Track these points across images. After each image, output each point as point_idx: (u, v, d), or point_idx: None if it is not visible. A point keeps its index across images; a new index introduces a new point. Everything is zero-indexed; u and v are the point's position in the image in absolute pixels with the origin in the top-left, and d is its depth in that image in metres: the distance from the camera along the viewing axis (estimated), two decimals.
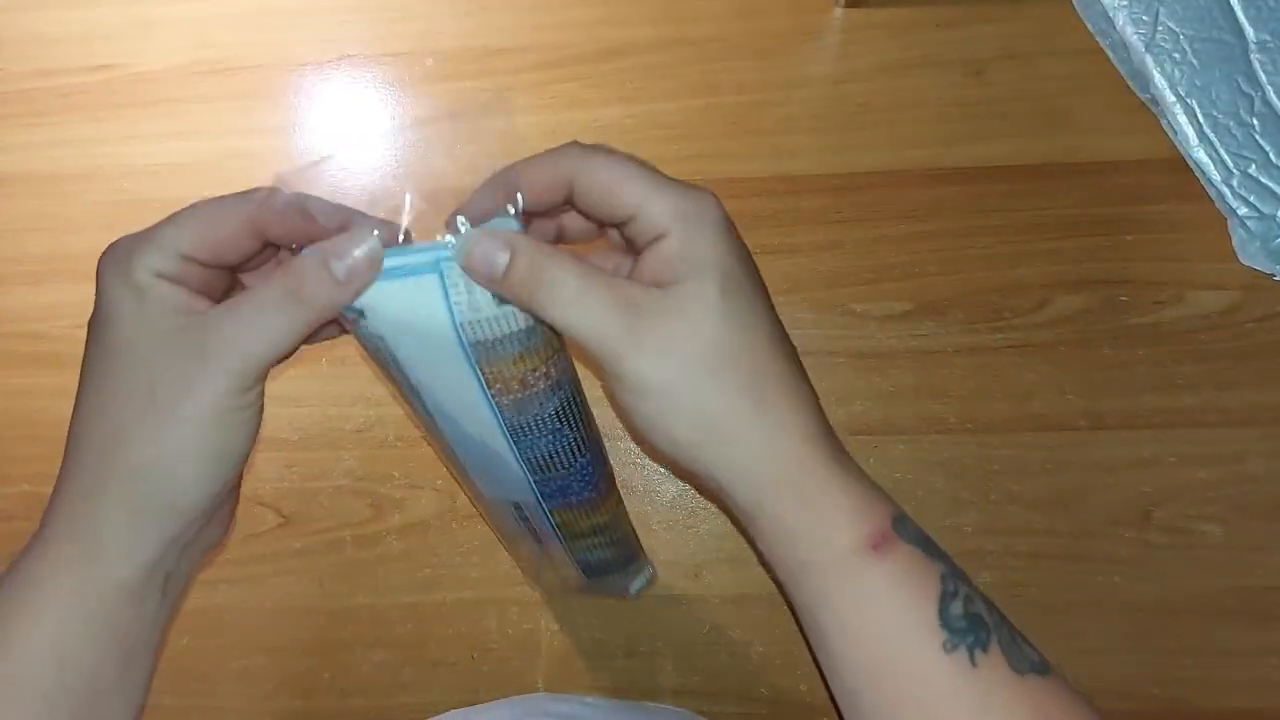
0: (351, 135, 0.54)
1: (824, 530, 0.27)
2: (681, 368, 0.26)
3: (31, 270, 0.52)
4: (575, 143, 0.28)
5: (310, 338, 0.28)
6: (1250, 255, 0.48)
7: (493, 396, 0.28)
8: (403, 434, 0.48)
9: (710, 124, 0.53)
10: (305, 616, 0.45)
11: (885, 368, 0.48)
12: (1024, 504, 0.45)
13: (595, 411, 0.32)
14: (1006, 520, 0.45)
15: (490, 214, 0.27)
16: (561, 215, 0.30)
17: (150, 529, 0.26)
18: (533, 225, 0.30)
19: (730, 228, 0.27)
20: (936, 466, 0.46)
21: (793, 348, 0.28)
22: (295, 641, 0.45)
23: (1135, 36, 0.52)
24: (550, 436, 0.30)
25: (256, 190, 0.27)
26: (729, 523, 0.46)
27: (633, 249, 0.28)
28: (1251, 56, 0.51)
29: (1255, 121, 0.50)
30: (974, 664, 0.26)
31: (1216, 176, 0.49)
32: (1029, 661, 0.26)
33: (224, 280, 0.28)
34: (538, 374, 0.28)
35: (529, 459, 0.31)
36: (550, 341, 0.28)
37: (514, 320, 0.27)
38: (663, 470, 0.47)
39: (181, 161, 0.54)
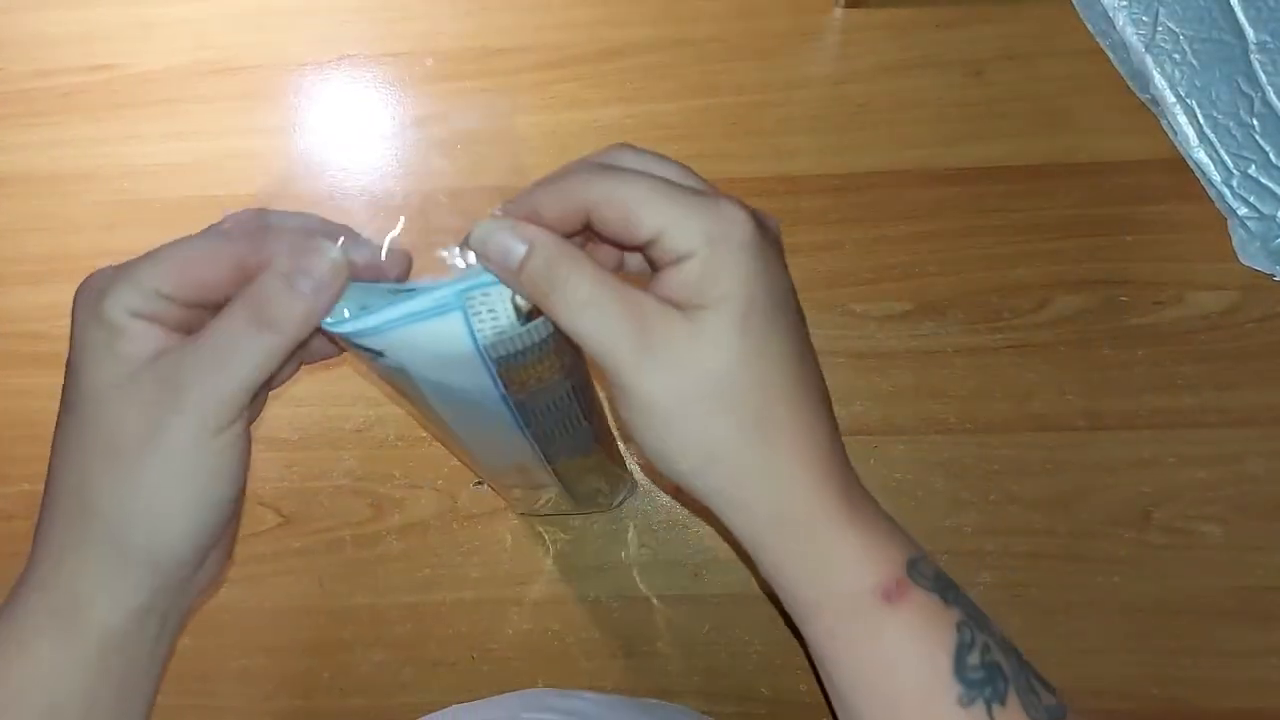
0: (351, 135, 0.54)
1: (828, 573, 0.26)
2: (687, 395, 0.25)
3: (31, 270, 0.52)
4: (586, 162, 0.26)
5: (307, 357, 0.27)
6: (1250, 255, 0.48)
7: (508, 393, 0.28)
8: (403, 434, 0.48)
9: (710, 124, 0.53)
10: (305, 616, 0.45)
11: (885, 368, 0.48)
12: (1024, 504, 0.45)
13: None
14: (1006, 520, 0.45)
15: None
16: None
17: (137, 578, 0.25)
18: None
19: (760, 249, 0.25)
20: (936, 467, 0.46)
21: (818, 379, 0.27)
22: (295, 641, 0.45)
23: (1135, 37, 0.52)
24: (559, 414, 0.31)
25: (221, 222, 0.26)
26: None
27: (653, 266, 0.26)
28: (1251, 57, 0.51)
29: (1255, 122, 0.50)
30: (991, 718, 0.25)
31: (1216, 177, 0.49)
32: (1046, 710, 0.26)
33: (206, 319, 0.26)
34: (554, 369, 0.28)
35: (537, 434, 0.31)
36: (569, 340, 0.28)
37: (538, 331, 0.26)
38: None
39: (181, 161, 0.54)
